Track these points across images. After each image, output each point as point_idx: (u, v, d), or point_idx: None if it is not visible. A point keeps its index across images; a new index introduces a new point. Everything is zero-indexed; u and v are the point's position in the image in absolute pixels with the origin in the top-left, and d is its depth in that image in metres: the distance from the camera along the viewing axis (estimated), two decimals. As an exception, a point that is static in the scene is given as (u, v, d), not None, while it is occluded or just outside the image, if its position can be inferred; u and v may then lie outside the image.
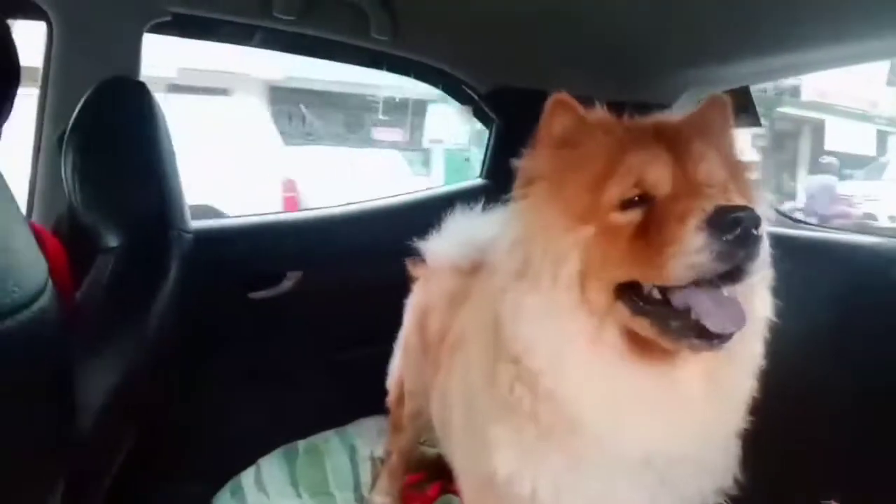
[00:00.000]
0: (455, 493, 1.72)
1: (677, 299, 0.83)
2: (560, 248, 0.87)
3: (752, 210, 0.77)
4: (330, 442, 1.95)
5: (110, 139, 1.26)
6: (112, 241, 1.23)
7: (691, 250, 0.77)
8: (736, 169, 0.95)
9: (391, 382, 1.69)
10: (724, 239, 0.76)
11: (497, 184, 2.20)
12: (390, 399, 1.69)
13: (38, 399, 0.62)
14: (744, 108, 1.98)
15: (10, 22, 0.96)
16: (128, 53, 1.68)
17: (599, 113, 0.99)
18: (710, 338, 0.82)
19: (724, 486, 0.95)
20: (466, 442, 1.08)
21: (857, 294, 1.37)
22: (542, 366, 0.88)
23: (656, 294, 0.85)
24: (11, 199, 0.62)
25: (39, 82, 1.65)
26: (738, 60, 1.74)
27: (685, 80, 1.92)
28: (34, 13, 1.60)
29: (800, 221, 2.13)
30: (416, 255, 1.60)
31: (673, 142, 0.90)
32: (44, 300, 0.60)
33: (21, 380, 0.57)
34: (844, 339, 1.33)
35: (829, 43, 1.51)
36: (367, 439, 1.96)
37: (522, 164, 0.97)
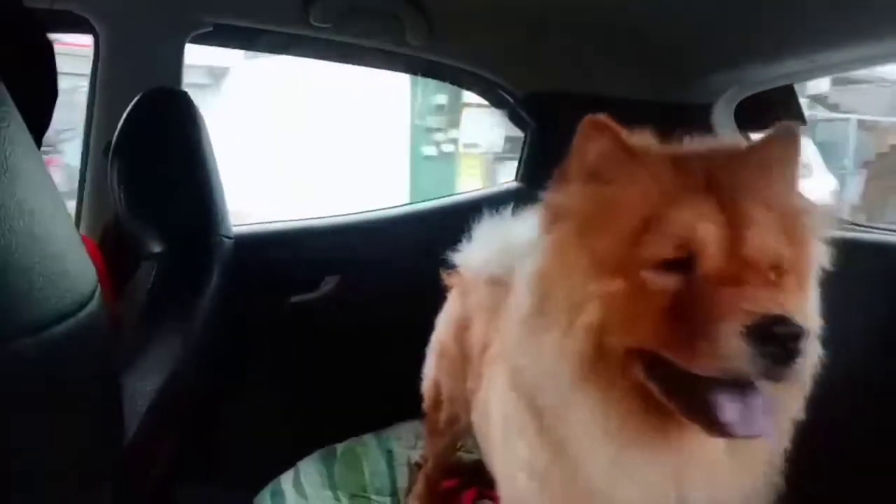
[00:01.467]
0: (492, 498, 1.71)
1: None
2: (581, 298, 0.80)
3: (797, 326, 0.69)
4: (368, 445, 1.96)
5: (154, 148, 1.30)
6: (156, 247, 1.26)
7: (725, 354, 0.70)
8: (793, 217, 0.84)
9: (425, 386, 1.69)
10: (763, 350, 0.69)
11: (532, 187, 2.19)
12: (426, 404, 1.69)
13: (85, 405, 0.63)
14: (788, 106, 1.93)
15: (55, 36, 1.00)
16: (171, 64, 1.73)
17: (643, 137, 0.86)
18: (728, 432, 0.74)
19: None
20: (504, 454, 1.07)
21: None
22: (548, 404, 0.84)
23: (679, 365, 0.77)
24: (63, 207, 0.64)
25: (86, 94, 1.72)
26: (782, 58, 1.70)
27: (727, 79, 1.87)
28: (83, 27, 1.66)
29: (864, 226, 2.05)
30: (450, 263, 1.59)
31: (727, 194, 0.79)
32: (92, 306, 0.62)
33: (69, 385, 0.59)
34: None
35: (874, 39, 1.46)
36: (405, 443, 1.96)
37: (550, 198, 0.88)
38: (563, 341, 0.81)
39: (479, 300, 1.42)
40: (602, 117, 0.84)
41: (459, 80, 2.22)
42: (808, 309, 0.84)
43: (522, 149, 2.30)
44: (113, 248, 1.43)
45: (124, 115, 1.30)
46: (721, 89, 1.91)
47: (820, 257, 0.86)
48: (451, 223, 1.58)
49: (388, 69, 2.17)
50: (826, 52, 1.56)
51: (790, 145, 0.89)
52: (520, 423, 0.93)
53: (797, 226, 0.84)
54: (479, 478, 1.79)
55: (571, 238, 0.83)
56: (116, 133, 1.30)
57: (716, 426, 0.75)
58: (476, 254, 1.51)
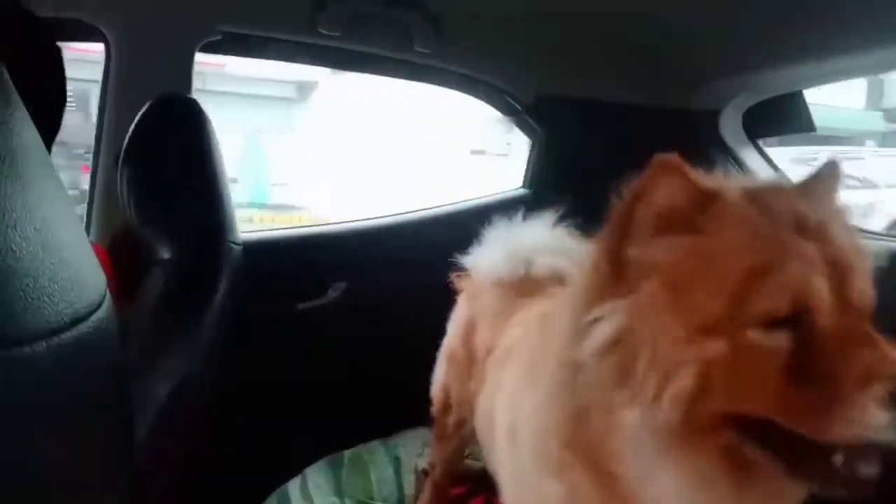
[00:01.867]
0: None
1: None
2: (675, 362, 0.70)
3: None
4: (375, 452, 1.95)
5: (163, 155, 1.30)
6: (165, 253, 1.27)
7: (866, 423, 0.64)
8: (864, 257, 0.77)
9: (435, 391, 1.68)
10: None
11: (539, 193, 2.19)
12: (435, 409, 1.68)
13: (97, 409, 0.64)
14: (797, 113, 1.93)
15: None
16: (180, 72, 1.74)
17: (713, 178, 0.78)
18: (858, 488, 0.69)
19: None
20: (514, 474, 1.05)
21: None
22: (625, 472, 0.78)
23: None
24: (73, 214, 0.64)
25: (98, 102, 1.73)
26: (791, 64, 1.69)
27: (735, 85, 1.87)
28: (94, 36, 1.68)
29: None
30: (459, 266, 1.60)
31: (820, 238, 0.71)
32: (102, 311, 0.62)
33: (81, 389, 0.59)
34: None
35: (883, 45, 1.45)
36: (412, 450, 1.96)
37: (632, 253, 0.75)
38: (649, 413, 0.73)
39: (486, 303, 1.43)
40: (673, 157, 0.73)
41: (467, 87, 2.23)
42: None
43: (530, 155, 2.31)
44: (122, 254, 1.44)
45: (134, 123, 1.31)
46: (729, 95, 1.91)
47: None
48: (457, 229, 1.58)
49: (396, 77, 2.17)
50: (835, 57, 1.56)
51: (833, 182, 0.82)
52: (559, 464, 0.87)
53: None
54: (486, 485, 1.78)
55: (659, 297, 0.73)
56: (126, 140, 1.31)
57: (852, 484, 0.70)
58: (485, 257, 1.52)
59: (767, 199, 0.75)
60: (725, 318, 0.69)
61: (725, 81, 1.87)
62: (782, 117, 1.94)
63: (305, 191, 8.58)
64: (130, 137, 1.30)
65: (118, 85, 1.70)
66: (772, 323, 0.69)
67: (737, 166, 1.96)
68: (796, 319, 0.69)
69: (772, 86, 1.86)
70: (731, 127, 1.97)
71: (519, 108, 2.20)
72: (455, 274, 1.63)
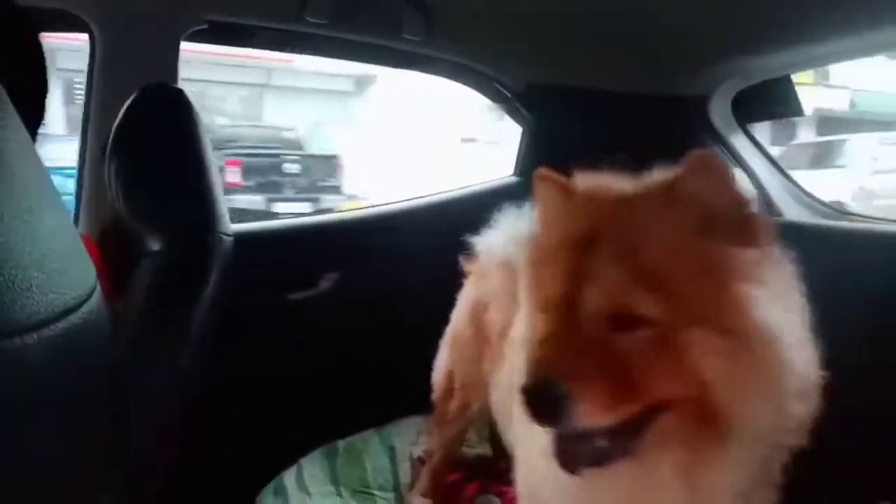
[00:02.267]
0: (497, 493, 1.71)
1: None
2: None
3: (547, 390, 0.77)
4: (369, 442, 1.96)
5: (150, 145, 1.29)
6: (155, 245, 1.26)
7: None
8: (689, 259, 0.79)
9: (437, 377, 1.69)
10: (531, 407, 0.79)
11: (530, 181, 2.18)
12: (436, 395, 1.69)
13: (89, 402, 0.63)
14: (786, 98, 1.93)
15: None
16: (166, 61, 1.72)
17: (599, 180, 0.92)
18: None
19: None
20: (530, 448, 1.10)
21: None
22: None
23: None
24: (60, 204, 0.64)
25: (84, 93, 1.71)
26: (779, 49, 1.70)
27: (725, 70, 1.87)
28: (78, 26, 1.65)
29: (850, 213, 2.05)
30: (467, 249, 1.60)
31: (588, 251, 0.82)
32: (92, 303, 0.62)
33: (72, 382, 0.59)
34: None
35: (872, 28, 1.46)
36: (406, 438, 1.96)
37: None
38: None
39: (496, 284, 1.45)
40: (545, 171, 0.98)
41: (457, 75, 2.22)
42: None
43: (520, 143, 2.30)
44: (112, 246, 1.43)
45: (121, 113, 1.29)
46: (718, 81, 1.91)
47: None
48: (449, 218, 1.58)
49: (385, 65, 2.16)
50: (824, 42, 1.56)
51: (707, 176, 0.81)
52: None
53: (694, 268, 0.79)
54: (482, 472, 1.79)
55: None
56: (113, 131, 1.29)
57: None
58: (493, 240, 1.54)
59: (592, 203, 0.88)
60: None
61: (714, 67, 1.87)
62: (771, 102, 1.95)
63: (365, 180, 8.98)
64: (117, 128, 1.28)
65: (103, 75, 1.68)
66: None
67: (726, 151, 1.97)
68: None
69: (760, 70, 1.86)
70: (720, 112, 1.97)
71: (509, 95, 2.20)
72: (463, 256, 1.63)
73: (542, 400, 0.78)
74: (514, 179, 2.30)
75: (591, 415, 0.77)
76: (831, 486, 1.19)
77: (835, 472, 1.14)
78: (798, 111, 1.99)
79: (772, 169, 2.02)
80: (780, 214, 1.90)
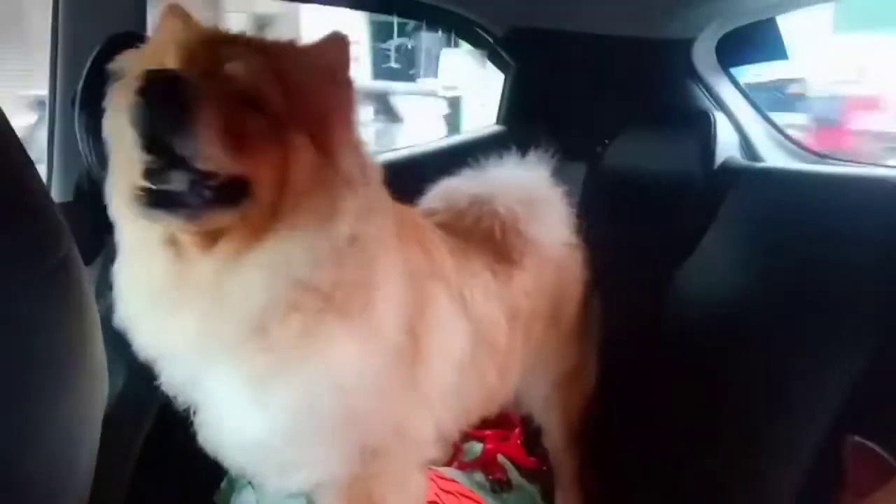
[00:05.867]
0: (478, 437, 1.76)
1: None
2: None
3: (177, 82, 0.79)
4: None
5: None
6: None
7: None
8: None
9: None
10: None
11: (513, 130, 2.16)
12: None
13: (67, 365, 0.63)
14: (771, 41, 1.91)
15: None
16: (135, 9, 1.65)
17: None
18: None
19: None
20: None
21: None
22: None
23: None
24: (30, 163, 0.62)
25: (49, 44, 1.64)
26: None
27: (710, 12, 1.84)
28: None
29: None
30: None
31: (227, 46, 0.91)
32: (68, 264, 0.61)
33: (50, 344, 0.58)
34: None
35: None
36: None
37: None
38: None
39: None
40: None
41: (437, 19, 2.16)
42: None
43: (503, 90, 2.26)
44: (87, 206, 1.39)
45: (87, 64, 1.25)
46: (702, 24, 1.88)
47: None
48: (433, 170, 1.56)
49: (364, 9, 2.10)
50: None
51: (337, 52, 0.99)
52: None
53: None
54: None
55: None
56: (80, 83, 1.25)
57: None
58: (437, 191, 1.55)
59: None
60: None
61: (698, 9, 1.84)
62: (755, 45, 1.93)
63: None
64: (85, 79, 1.24)
65: (68, 27, 1.61)
66: None
67: (709, 95, 1.95)
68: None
69: (744, 13, 1.83)
70: (704, 56, 1.95)
71: (491, 41, 2.15)
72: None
73: (168, 83, 0.79)
74: (497, 128, 2.27)
75: (206, 150, 0.80)
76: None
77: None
78: (782, 54, 1.97)
79: (755, 114, 2.02)
80: (761, 159, 1.91)
